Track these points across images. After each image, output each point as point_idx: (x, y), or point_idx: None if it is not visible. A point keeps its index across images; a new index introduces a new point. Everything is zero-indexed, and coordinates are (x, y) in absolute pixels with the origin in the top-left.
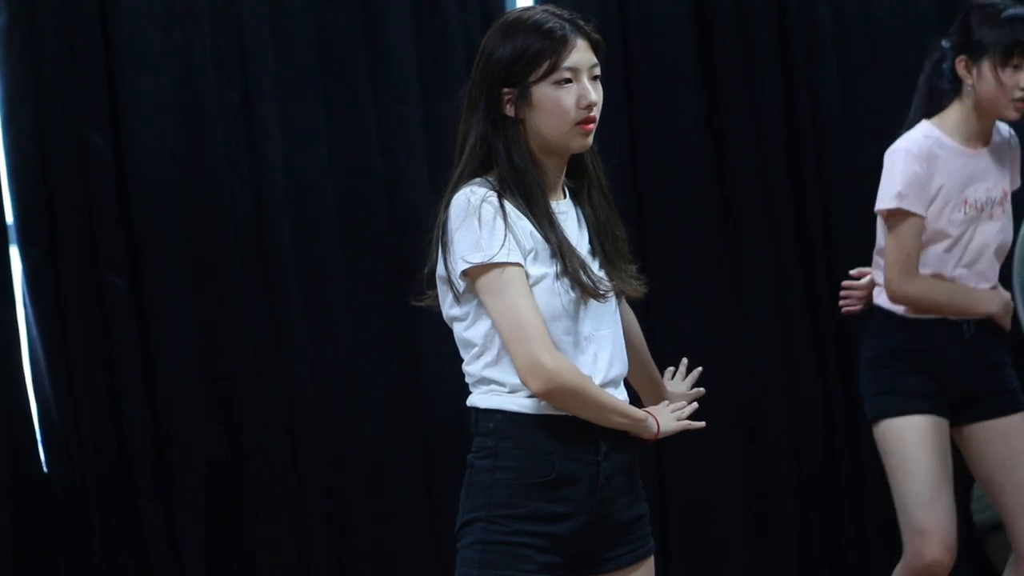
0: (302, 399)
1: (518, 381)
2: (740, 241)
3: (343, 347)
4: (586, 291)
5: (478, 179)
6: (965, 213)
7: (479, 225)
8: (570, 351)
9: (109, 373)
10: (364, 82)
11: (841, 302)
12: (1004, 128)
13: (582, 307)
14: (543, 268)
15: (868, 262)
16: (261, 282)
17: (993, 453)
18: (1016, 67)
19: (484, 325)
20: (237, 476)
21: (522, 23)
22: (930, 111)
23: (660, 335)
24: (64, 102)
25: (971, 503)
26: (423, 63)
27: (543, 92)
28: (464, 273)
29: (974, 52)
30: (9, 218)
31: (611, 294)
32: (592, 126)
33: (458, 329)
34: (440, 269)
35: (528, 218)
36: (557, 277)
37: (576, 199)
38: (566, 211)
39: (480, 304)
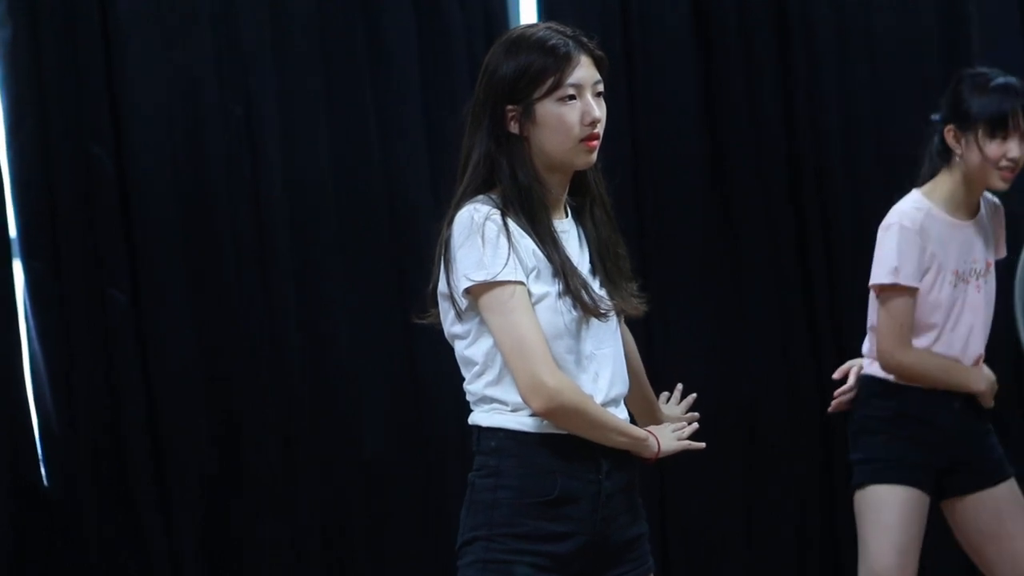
0: (301, 403)
1: (520, 399)
2: (740, 241)
3: (343, 350)
4: (587, 310)
5: (481, 196)
6: (955, 285)
7: (482, 243)
8: (572, 370)
9: (109, 384)
10: (364, 83)
11: (832, 404)
12: (988, 195)
13: (583, 326)
14: (545, 287)
15: (867, 262)
16: (261, 291)
17: (983, 525)
18: (1004, 137)
19: (486, 343)
20: (236, 480)
21: (525, 40)
22: (922, 180)
23: (660, 336)
24: (67, 115)
25: None
26: (424, 65)
27: (547, 109)
28: (467, 291)
29: (963, 122)
30: (12, 231)
31: (612, 313)
32: (596, 143)
33: (459, 347)
34: (442, 286)
35: (531, 236)
36: (559, 296)
37: (578, 217)
38: (568, 229)
39: (482, 322)
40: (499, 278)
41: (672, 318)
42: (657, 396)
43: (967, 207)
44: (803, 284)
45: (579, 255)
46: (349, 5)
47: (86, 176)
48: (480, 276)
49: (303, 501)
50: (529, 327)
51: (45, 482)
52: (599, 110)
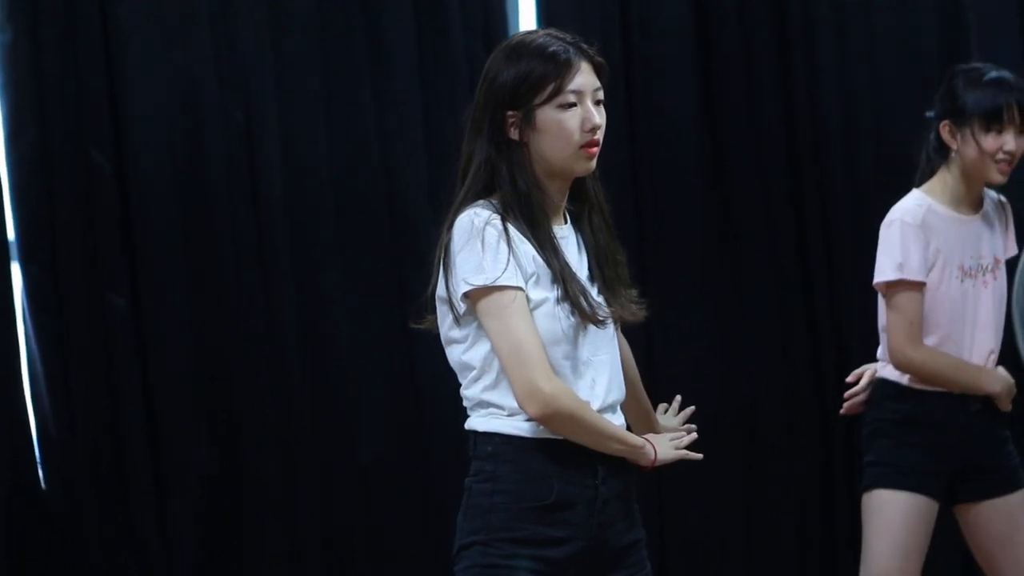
0: (301, 404)
1: (516, 404)
2: (740, 242)
3: (342, 351)
4: (585, 317)
5: (481, 201)
6: (962, 281)
7: (482, 248)
8: (568, 376)
9: (108, 385)
10: (364, 84)
11: (844, 407)
12: (992, 193)
13: (581, 332)
14: (544, 292)
15: (866, 262)
16: (261, 292)
17: (996, 532)
18: (999, 131)
19: (483, 348)
20: (236, 481)
21: (526, 46)
22: (921, 179)
23: (660, 336)
24: (66, 118)
25: None
26: (423, 65)
27: (547, 115)
28: (465, 295)
29: (958, 117)
30: (11, 234)
31: (610, 320)
32: (596, 149)
33: (456, 352)
34: (440, 290)
35: (530, 242)
36: (558, 302)
37: (576, 224)
38: (567, 236)
39: (480, 327)
40: (498, 283)
41: (672, 318)
42: (656, 403)
43: (968, 202)
44: (803, 284)
45: (578, 261)
46: (349, 5)
47: (85, 178)
48: (479, 280)
49: (303, 502)
50: (527, 333)
51: (43, 484)
52: (599, 117)
